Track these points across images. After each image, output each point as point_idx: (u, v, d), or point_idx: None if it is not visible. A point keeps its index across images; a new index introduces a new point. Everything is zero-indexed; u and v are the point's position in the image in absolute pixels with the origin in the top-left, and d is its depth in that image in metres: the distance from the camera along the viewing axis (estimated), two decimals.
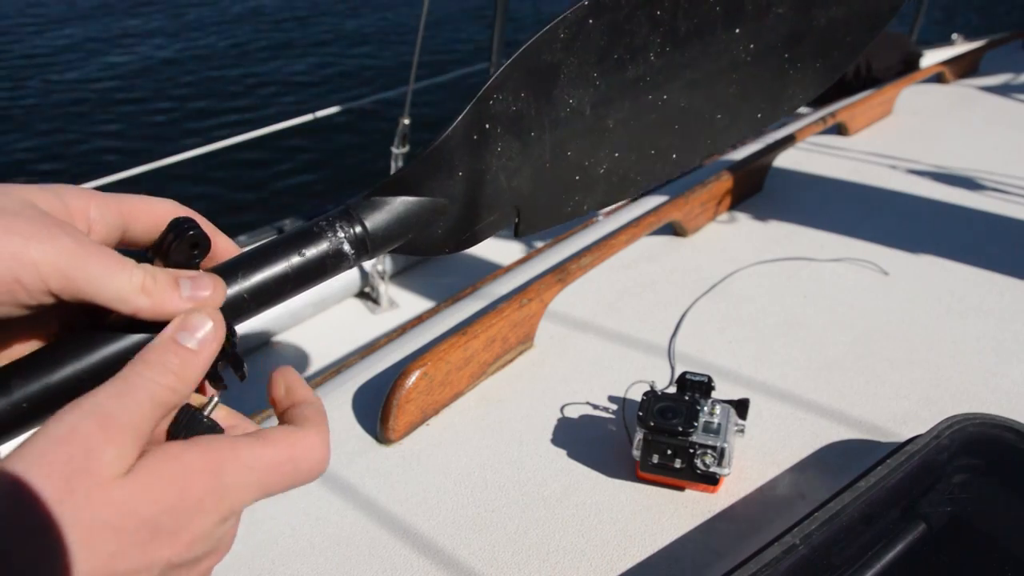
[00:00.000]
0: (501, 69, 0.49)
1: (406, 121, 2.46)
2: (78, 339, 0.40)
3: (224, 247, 0.45)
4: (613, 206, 1.64)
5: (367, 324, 2.46)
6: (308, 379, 1.94)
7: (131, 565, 0.34)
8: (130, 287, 0.38)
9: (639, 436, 0.91)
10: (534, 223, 0.54)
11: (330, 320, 2.49)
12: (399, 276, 2.69)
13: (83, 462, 0.33)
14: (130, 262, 0.39)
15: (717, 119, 0.58)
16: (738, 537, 0.87)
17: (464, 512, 0.92)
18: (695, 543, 0.87)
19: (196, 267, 0.42)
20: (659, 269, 1.40)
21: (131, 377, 0.37)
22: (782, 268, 1.38)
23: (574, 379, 1.13)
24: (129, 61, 7.31)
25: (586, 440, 1.02)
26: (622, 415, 1.05)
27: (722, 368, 1.13)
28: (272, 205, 4.83)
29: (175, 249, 0.41)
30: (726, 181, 1.54)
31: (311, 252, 0.45)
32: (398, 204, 0.48)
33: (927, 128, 2.03)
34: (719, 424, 0.91)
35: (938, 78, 2.39)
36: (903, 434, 0.98)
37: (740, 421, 0.93)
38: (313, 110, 2.85)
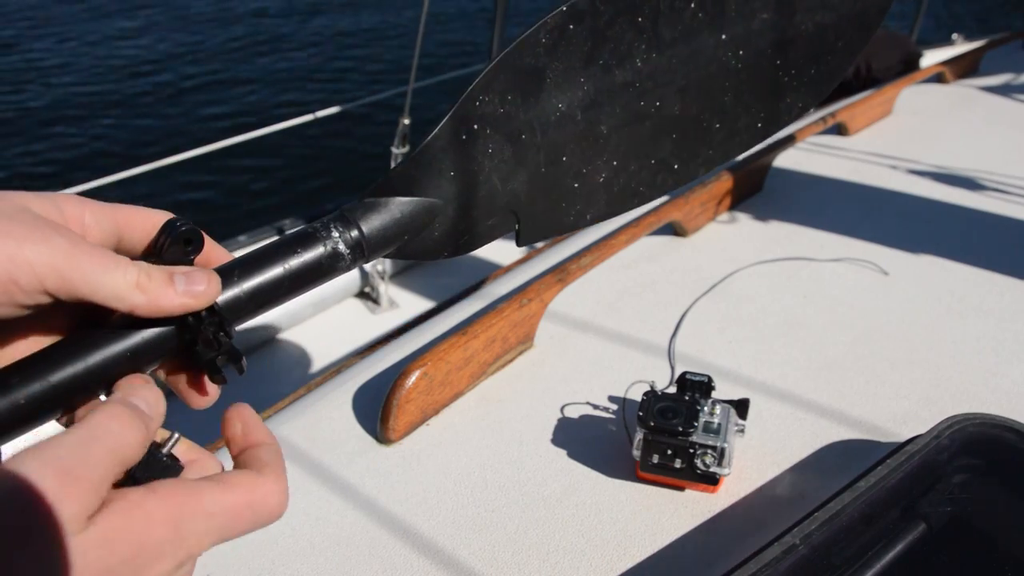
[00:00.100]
0: (486, 71, 0.49)
1: (406, 121, 2.46)
2: (77, 339, 0.40)
3: (218, 257, 0.45)
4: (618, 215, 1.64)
5: (367, 324, 2.46)
6: (308, 379, 1.95)
7: None
8: (125, 284, 0.38)
9: (639, 436, 0.91)
10: (535, 231, 0.54)
11: (330, 320, 2.49)
12: (399, 276, 2.69)
13: (42, 516, 0.32)
14: (125, 260, 0.39)
15: (716, 128, 0.58)
16: (738, 537, 0.87)
17: (464, 512, 0.92)
18: (695, 543, 0.87)
19: (190, 263, 0.42)
20: (659, 269, 1.40)
21: (94, 428, 0.36)
22: (782, 268, 1.38)
23: (574, 379, 1.13)
24: (129, 61, 7.31)
25: (586, 440, 1.02)
26: (622, 415, 1.05)
27: (722, 368, 1.13)
28: (272, 205, 4.84)
29: (168, 248, 0.41)
30: (726, 181, 1.54)
31: (308, 254, 0.45)
32: (393, 205, 0.48)
33: (927, 128, 2.03)
34: (719, 424, 0.91)
35: (938, 78, 2.39)
36: (903, 434, 0.98)
37: (740, 421, 0.93)
38: (313, 110, 2.85)
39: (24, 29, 8.14)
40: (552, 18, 0.50)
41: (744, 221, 1.56)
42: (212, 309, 0.42)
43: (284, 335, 2.40)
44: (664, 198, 1.53)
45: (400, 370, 1.02)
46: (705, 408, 0.92)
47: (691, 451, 0.89)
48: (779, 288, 1.33)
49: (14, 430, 0.39)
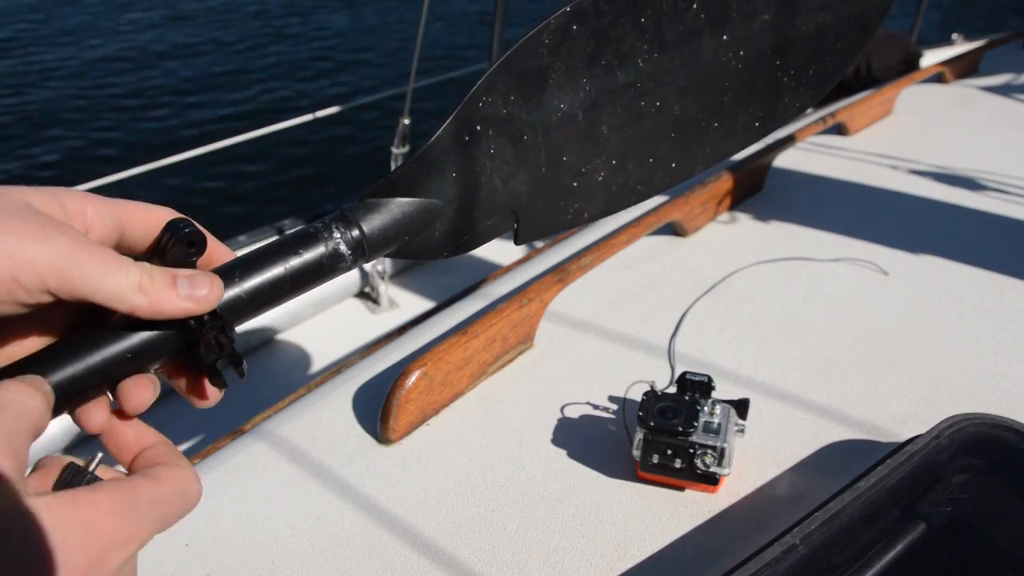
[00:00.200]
0: (489, 72, 0.49)
1: (406, 121, 2.46)
2: (78, 338, 0.40)
3: (220, 255, 0.45)
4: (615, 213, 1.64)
5: (367, 324, 2.46)
6: (308, 379, 1.95)
7: None
8: (127, 285, 0.38)
9: (639, 436, 0.91)
10: (533, 230, 0.54)
11: (330, 320, 2.49)
12: (399, 276, 2.69)
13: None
14: (127, 260, 0.39)
15: (715, 127, 0.58)
16: (738, 537, 0.87)
17: (464, 512, 0.92)
18: (695, 543, 0.87)
19: (193, 265, 0.42)
20: (659, 269, 1.40)
21: None
22: (782, 268, 1.38)
23: (574, 379, 1.13)
24: (127, 60, 7.31)
25: (586, 440, 1.02)
26: (622, 415, 1.05)
27: (722, 368, 1.13)
28: (272, 205, 4.83)
29: (171, 248, 0.41)
30: (726, 181, 1.54)
31: (309, 254, 0.45)
32: (394, 206, 0.48)
33: (927, 128, 2.03)
34: (719, 424, 0.91)
35: (938, 78, 2.39)
36: (903, 434, 0.98)
37: (740, 421, 0.93)
38: (313, 110, 2.85)
39: (19, 31, 8.13)
40: (555, 19, 0.50)
41: (744, 221, 1.56)
42: (214, 312, 0.41)
43: (284, 335, 2.40)
44: (664, 197, 1.53)
45: (400, 370, 1.02)
46: (705, 408, 0.92)
47: (691, 451, 0.89)
48: (779, 288, 1.33)
49: None
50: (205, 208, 4.83)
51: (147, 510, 0.38)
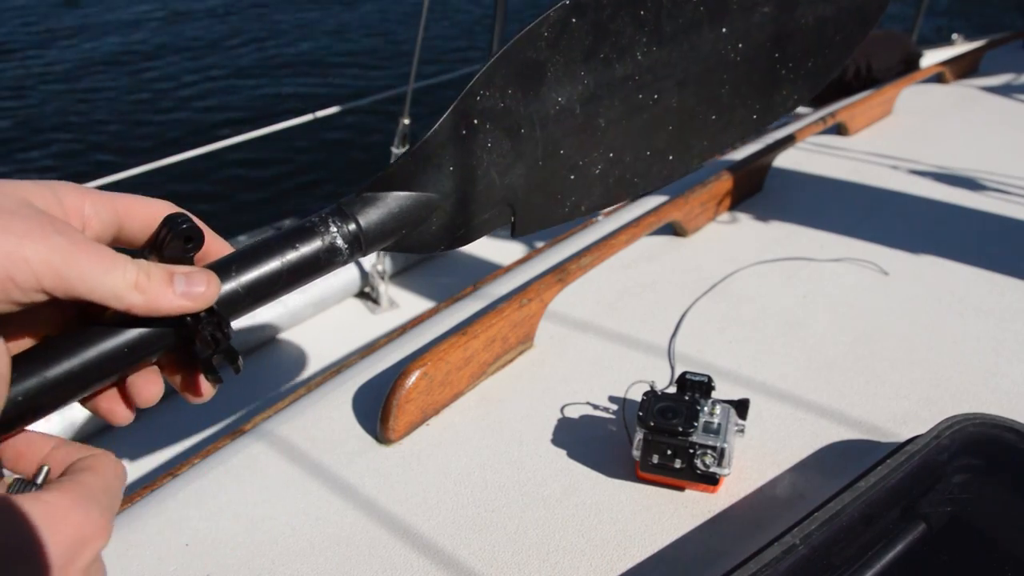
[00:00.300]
0: (487, 65, 0.49)
1: (406, 121, 2.46)
2: (74, 335, 0.40)
3: (218, 250, 0.45)
4: (613, 206, 1.64)
5: (367, 324, 2.46)
6: (308, 379, 1.95)
7: None
8: (123, 284, 0.38)
9: (639, 436, 0.91)
10: (531, 223, 0.54)
11: (330, 320, 2.49)
12: (399, 276, 2.69)
13: None
14: (124, 258, 0.39)
15: (712, 120, 0.58)
16: (738, 537, 0.87)
17: (464, 512, 0.92)
18: (695, 543, 0.87)
19: (190, 261, 0.42)
20: (659, 269, 1.40)
21: None
22: (782, 268, 1.38)
23: (574, 379, 1.13)
24: (125, 59, 7.31)
25: (586, 440, 1.02)
26: (622, 415, 1.05)
27: (722, 368, 1.13)
28: (271, 205, 4.83)
29: (169, 244, 0.41)
30: (726, 181, 1.54)
31: (305, 248, 0.45)
32: (391, 200, 0.48)
33: (927, 128, 2.03)
34: (719, 424, 0.91)
35: (938, 78, 2.39)
36: (903, 434, 0.98)
37: (740, 421, 0.93)
38: (313, 110, 2.85)
39: (15, 30, 8.13)
40: (555, 12, 0.50)
41: (744, 221, 1.56)
42: (211, 309, 0.42)
43: (284, 335, 2.39)
44: (664, 197, 1.53)
45: (400, 370, 1.02)
46: (705, 408, 0.92)
47: (691, 451, 0.89)
48: (779, 288, 1.33)
49: (12, 426, 0.39)
50: (204, 208, 4.83)
51: (102, 499, 0.38)
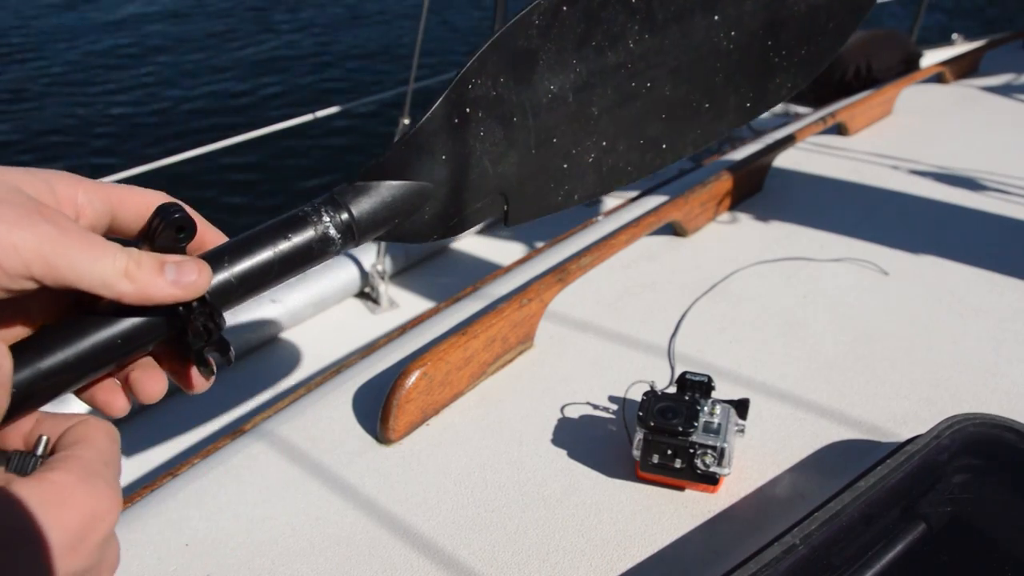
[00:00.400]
0: (479, 53, 0.49)
1: (406, 121, 2.46)
2: (66, 326, 0.40)
3: (212, 239, 0.45)
4: (613, 206, 1.64)
5: (367, 324, 2.46)
6: (308, 379, 1.95)
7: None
8: (113, 272, 0.38)
9: (639, 436, 0.91)
10: (523, 212, 0.54)
11: (330, 320, 2.49)
12: (399, 276, 2.69)
13: None
14: (114, 246, 0.39)
15: (705, 108, 0.58)
16: (738, 537, 0.87)
17: (464, 512, 0.92)
18: (695, 543, 0.87)
19: (182, 251, 0.42)
20: (659, 269, 1.40)
21: None
22: (782, 268, 1.38)
23: (574, 379, 1.13)
24: (124, 59, 7.31)
25: (586, 440, 1.02)
26: (622, 415, 1.05)
27: (722, 368, 1.13)
28: (271, 205, 4.83)
29: (161, 234, 0.41)
30: (726, 181, 1.54)
31: (297, 238, 0.45)
32: (383, 188, 0.48)
33: (927, 128, 2.03)
34: (719, 424, 0.91)
35: (938, 78, 2.39)
36: (903, 434, 0.98)
37: (740, 421, 0.93)
38: (313, 110, 2.85)
39: (13, 32, 8.14)
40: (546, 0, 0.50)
41: (744, 221, 1.56)
42: (203, 299, 0.41)
43: (284, 335, 2.39)
44: (664, 197, 1.53)
45: (400, 370, 1.02)
46: (705, 408, 0.92)
47: (691, 451, 0.89)
48: (779, 288, 1.33)
49: (6, 419, 0.39)
50: (203, 208, 4.80)
51: (104, 471, 0.38)
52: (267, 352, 2.31)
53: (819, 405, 1.06)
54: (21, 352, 0.39)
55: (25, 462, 0.38)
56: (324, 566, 0.86)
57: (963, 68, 2.47)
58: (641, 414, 0.90)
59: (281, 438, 1.03)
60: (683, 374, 0.97)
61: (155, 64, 7.26)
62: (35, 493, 0.35)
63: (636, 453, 0.91)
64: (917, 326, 1.21)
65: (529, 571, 0.84)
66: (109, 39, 7.84)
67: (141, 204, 0.43)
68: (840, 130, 1.99)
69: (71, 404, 1.05)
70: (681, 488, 0.93)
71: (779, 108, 4.02)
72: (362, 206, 0.47)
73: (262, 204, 4.91)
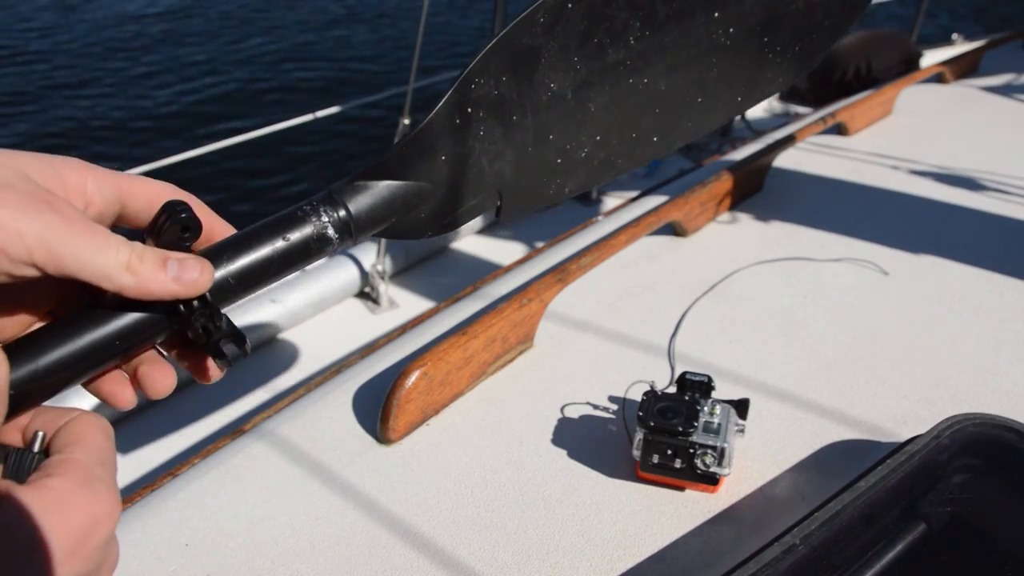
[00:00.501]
0: (483, 53, 0.49)
1: (406, 121, 2.47)
2: (67, 321, 0.40)
3: (221, 231, 0.45)
4: (613, 206, 1.64)
5: (367, 324, 2.46)
6: (308, 379, 1.95)
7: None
8: (115, 264, 0.38)
9: (639, 436, 0.91)
10: (516, 206, 0.54)
11: (330, 320, 2.49)
12: (399, 276, 2.69)
13: None
14: (118, 239, 0.39)
15: (697, 102, 0.58)
16: (738, 537, 0.87)
17: (464, 512, 0.92)
18: (695, 543, 0.87)
19: (188, 250, 0.42)
20: (659, 269, 1.40)
21: None
22: (782, 268, 1.39)
23: (574, 379, 1.13)
24: (126, 62, 7.31)
25: (586, 440, 1.02)
26: (622, 415, 1.05)
27: (722, 368, 1.13)
28: (271, 205, 4.83)
29: (167, 230, 0.41)
30: (726, 181, 1.54)
31: (295, 236, 0.45)
32: (382, 188, 0.48)
33: (927, 128, 2.03)
34: (719, 424, 0.91)
35: (938, 78, 2.39)
36: (903, 434, 0.98)
37: (740, 421, 0.93)
38: (313, 110, 2.85)
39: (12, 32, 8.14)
40: None
41: (744, 221, 1.56)
42: (204, 300, 0.41)
43: (284, 335, 2.40)
44: (664, 197, 1.53)
45: (400, 370, 1.02)
46: (705, 408, 0.92)
47: (691, 451, 0.89)
48: (779, 288, 1.33)
49: (7, 418, 0.39)
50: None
51: (101, 472, 0.38)
52: (267, 352, 2.31)
53: (819, 405, 1.06)
54: (23, 347, 0.39)
55: (23, 460, 0.38)
56: (324, 566, 0.86)
57: (963, 68, 2.47)
58: (641, 414, 0.90)
59: (281, 438, 1.03)
60: (683, 374, 0.97)
61: (155, 64, 7.26)
62: (36, 500, 0.35)
63: (636, 453, 0.91)
64: (917, 326, 1.21)
65: (529, 571, 0.84)
66: (109, 39, 7.84)
67: (151, 195, 0.43)
68: (840, 130, 1.99)
69: (67, 399, 1.05)
70: (681, 488, 0.93)
71: (779, 108, 4.02)
72: (360, 205, 0.48)
73: (261, 204, 4.91)
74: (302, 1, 9.03)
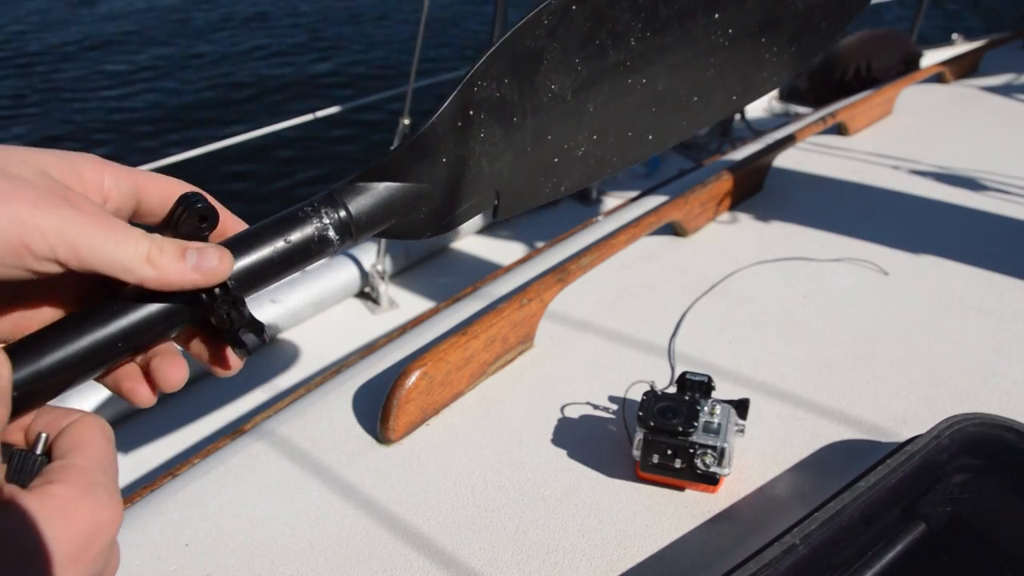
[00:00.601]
0: (486, 56, 0.50)
1: (406, 121, 2.47)
2: (89, 313, 0.41)
3: (233, 227, 0.45)
4: (613, 206, 1.64)
5: (367, 324, 2.46)
6: (308, 379, 1.95)
7: None
8: (135, 257, 0.39)
9: (639, 436, 0.91)
10: (513, 205, 0.55)
11: (330, 320, 2.49)
12: (399, 276, 2.69)
13: None
14: (137, 232, 0.39)
15: (693, 101, 0.59)
16: (738, 537, 0.87)
17: (464, 512, 0.92)
18: (695, 543, 0.87)
19: (205, 239, 0.43)
20: (659, 269, 1.40)
21: None
22: (782, 268, 1.39)
23: (574, 379, 1.13)
24: (128, 63, 7.31)
25: (586, 440, 1.02)
26: (622, 415, 1.05)
27: (722, 368, 1.13)
28: (271, 205, 4.82)
29: (184, 222, 0.42)
30: (726, 181, 1.54)
31: (296, 237, 0.45)
32: (382, 190, 0.49)
33: (927, 128, 2.03)
34: (719, 424, 0.91)
35: (938, 78, 2.39)
36: (903, 434, 0.98)
37: (740, 421, 0.93)
38: (313, 110, 2.85)
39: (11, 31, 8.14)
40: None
41: (744, 221, 1.56)
42: (225, 286, 0.42)
43: (284, 335, 2.40)
44: (664, 197, 1.53)
45: (400, 370, 1.02)
46: (705, 408, 0.92)
47: (691, 451, 0.89)
48: (779, 288, 1.33)
49: (21, 410, 0.39)
50: None
51: (103, 478, 0.38)
52: (267, 352, 2.32)
53: (819, 405, 1.06)
54: (42, 339, 0.39)
55: (26, 462, 0.38)
56: (324, 566, 0.86)
57: (963, 68, 2.47)
58: (641, 414, 0.90)
59: (281, 438, 1.03)
60: (683, 374, 0.97)
61: (155, 65, 7.26)
62: (39, 507, 0.35)
63: (636, 453, 0.91)
64: (917, 326, 1.21)
65: (529, 571, 0.84)
66: (109, 39, 7.84)
67: (165, 191, 0.44)
68: (840, 130, 1.99)
69: (68, 399, 1.05)
70: (681, 488, 0.93)
71: (779, 108, 4.02)
72: (360, 206, 0.48)
73: (262, 203, 4.91)
74: (302, 2, 9.03)
